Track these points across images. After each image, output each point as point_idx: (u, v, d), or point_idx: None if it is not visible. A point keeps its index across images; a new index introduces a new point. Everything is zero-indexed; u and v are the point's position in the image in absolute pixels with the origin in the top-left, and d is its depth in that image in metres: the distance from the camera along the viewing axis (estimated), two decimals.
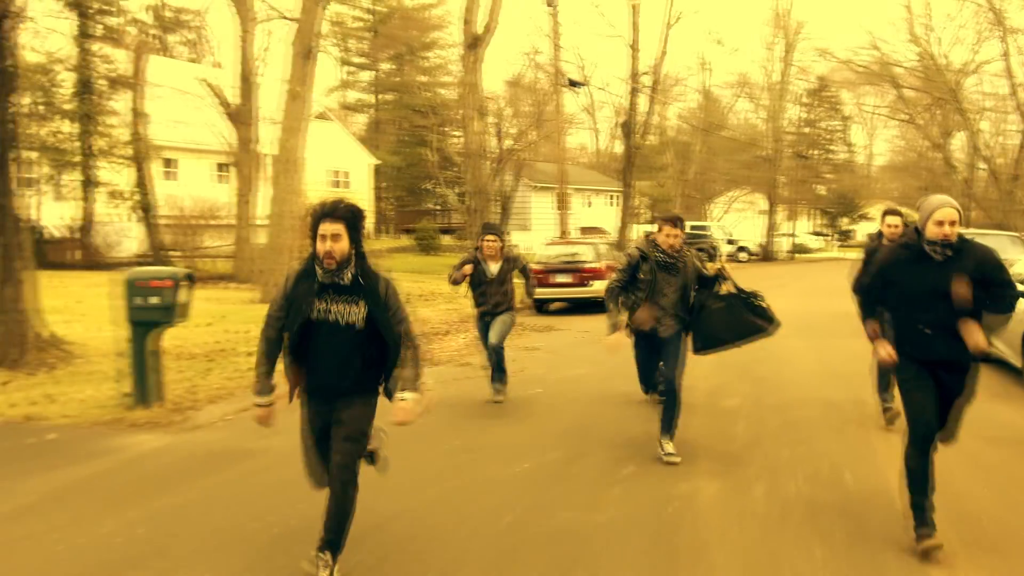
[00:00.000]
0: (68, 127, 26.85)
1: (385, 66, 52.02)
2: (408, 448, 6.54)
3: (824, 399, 8.84)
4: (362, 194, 41.59)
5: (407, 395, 4.12)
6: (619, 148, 42.75)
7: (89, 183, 27.30)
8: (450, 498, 5.72)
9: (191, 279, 7.94)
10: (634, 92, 36.03)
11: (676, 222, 6.59)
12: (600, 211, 49.74)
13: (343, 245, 4.04)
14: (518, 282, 9.19)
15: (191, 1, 50.77)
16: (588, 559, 4.60)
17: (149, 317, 7.61)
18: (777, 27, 48.65)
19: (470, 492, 5.85)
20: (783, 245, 50.90)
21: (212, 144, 29.40)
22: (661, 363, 6.80)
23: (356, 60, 52.17)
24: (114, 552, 4.74)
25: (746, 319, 6.56)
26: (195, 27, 46.26)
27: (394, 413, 4.14)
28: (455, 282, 8.80)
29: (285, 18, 21.64)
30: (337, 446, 4.13)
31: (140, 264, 19.60)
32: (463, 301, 10.54)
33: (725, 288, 6.61)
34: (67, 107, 26.60)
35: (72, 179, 27.74)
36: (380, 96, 52.93)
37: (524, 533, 5.00)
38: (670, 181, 48.05)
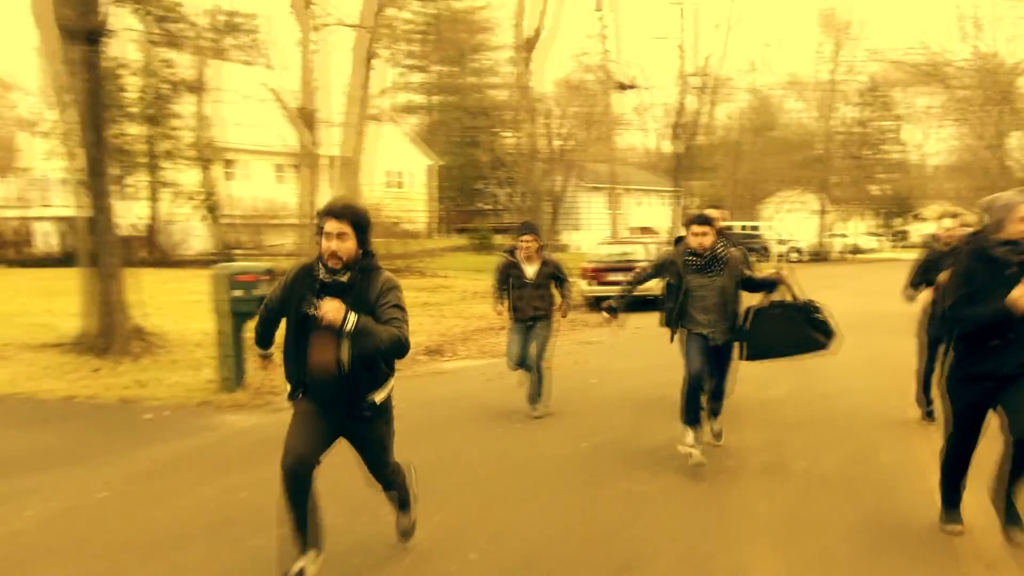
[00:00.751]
0: (135, 130, 28.04)
1: (437, 68, 52.81)
2: (479, 415, 8.06)
3: (869, 388, 9.28)
4: (419, 194, 42.35)
5: (354, 316, 3.82)
6: (670, 148, 43.04)
7: (156, 184, 28.45)
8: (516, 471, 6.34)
9: (271, 274, 8.66)
10: (683, 93, 36.40)
11: (702, 220, 6.34)
12: (652, 211, 50.01)
13: (349, 245, 3.93)
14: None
15: (254, 7, 51.98)
16: (650, 515, 5.26)
17: (247, 309, 8.33)
18: (827, 27, 48.51)
19: (534, 466, 6.48)
20: (836, 245, 50.67)
21: (274, 146, 30.42)
22: (709, 381, 6.51)
23: (408, 62, 53.03)
24: (219, 512, 5.42)
25: (804, 332, 6.18)
26: (249, 31, 47.46)
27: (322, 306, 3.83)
28: (500, 312, 8.34)
29: (346, 25, 22.52)
30: (366, 468, 4.40)
31: (212, 262, 20.51)
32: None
33: (783, 294, 6.30)
34: (133, 110, 27.79)
35: (140, 180, 28.95)
36: (432, 98, 53.74)
37: (594, 493, 5.73)
38: (720, 181, 48.18)
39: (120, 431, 7.79)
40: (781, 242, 42.93)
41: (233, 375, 8.85)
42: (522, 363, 8.15)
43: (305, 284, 4.00)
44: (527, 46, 28.22)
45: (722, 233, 6.78)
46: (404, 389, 6.77)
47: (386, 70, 21.16)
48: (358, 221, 3.97)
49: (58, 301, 15.05)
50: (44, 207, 30.02)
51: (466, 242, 37.47)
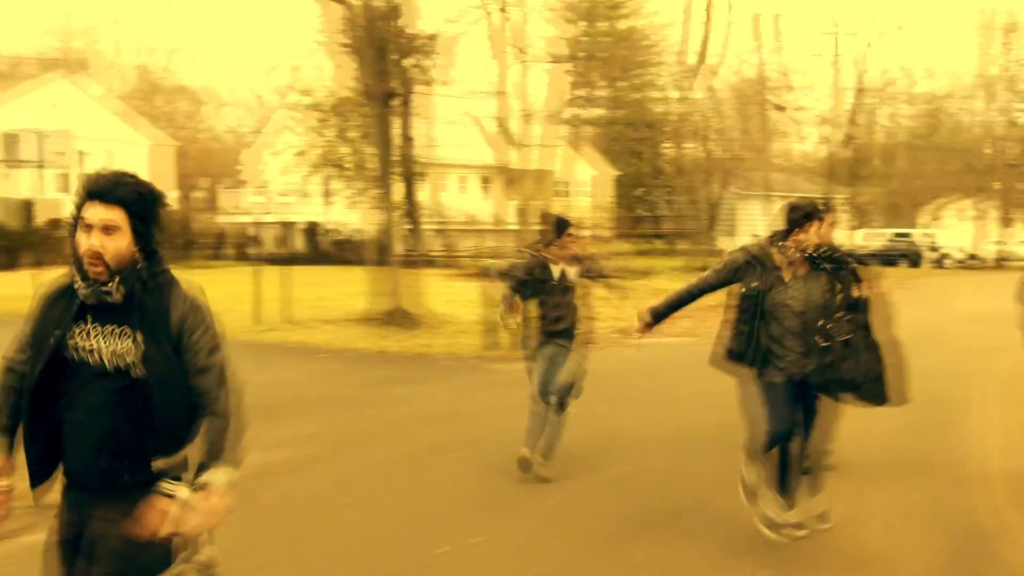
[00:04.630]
0: (353, 148, 33.30)
1: (604, 83, 56.46)
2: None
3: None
4: (592, 203, 46.12)
5: (176, 490, 2.49)
6: (825, 154, 45.01)
7: (375, 193, 33.59)
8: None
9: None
10: (839, 103, 38.62)
11: (816, 213, 4.91)
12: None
13: (120, 243, 2.53)
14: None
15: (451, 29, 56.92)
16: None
17: None
18: (987, 31, 49.10)
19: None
20: (992, 252, 50.80)
21: (472, 160, 35.02)
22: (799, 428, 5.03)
23: (577, 79, 56.89)
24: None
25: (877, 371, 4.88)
26: (431, 53, 52.45)
27: (145, 513, 2.47)
28: (508, 315, 6.80)
29: (540, 61, 26.57)
30: None
31: (414, 263, 25.01)
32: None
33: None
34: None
35: (354, 191, 34.19)
36: (601, 112, 57.47)
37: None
38: (876, 187, 49.56)
39: (433, 370, 11.88)
40: (933, 248, 43.74)
41: (494, 340, 12.85)
42: (545, 393, 6.48)
43: (59, 309, 2.61)
44: (690, 72, 31.59)
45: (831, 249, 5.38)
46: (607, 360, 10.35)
47: (567, 86, 24.88)
48: (138, 205, 2.56)
49: (316, 291, 19.37)
50: (270, 214, 35.71)
51: (631, 247, 41.20)
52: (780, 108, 36.68)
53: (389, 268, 15.16)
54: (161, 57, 55.12)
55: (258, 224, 36.40)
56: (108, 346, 2.54)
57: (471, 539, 5.14)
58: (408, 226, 34.26)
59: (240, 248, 35.99)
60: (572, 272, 6.55)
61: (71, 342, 2.55)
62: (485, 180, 40.09)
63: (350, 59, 15.61)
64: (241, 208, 37.29)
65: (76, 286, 2.57)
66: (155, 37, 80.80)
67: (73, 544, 2.59)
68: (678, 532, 5.35)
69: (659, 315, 5.29)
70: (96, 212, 2.51)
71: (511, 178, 26.42)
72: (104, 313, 2.56)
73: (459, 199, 36.86)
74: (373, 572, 4.75)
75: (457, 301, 16.97)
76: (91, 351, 2.54)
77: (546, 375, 6.47)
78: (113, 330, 2.54)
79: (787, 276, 4.83)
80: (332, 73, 29.62)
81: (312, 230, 34.31)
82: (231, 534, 4.76)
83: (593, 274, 6.75)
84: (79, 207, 2.55)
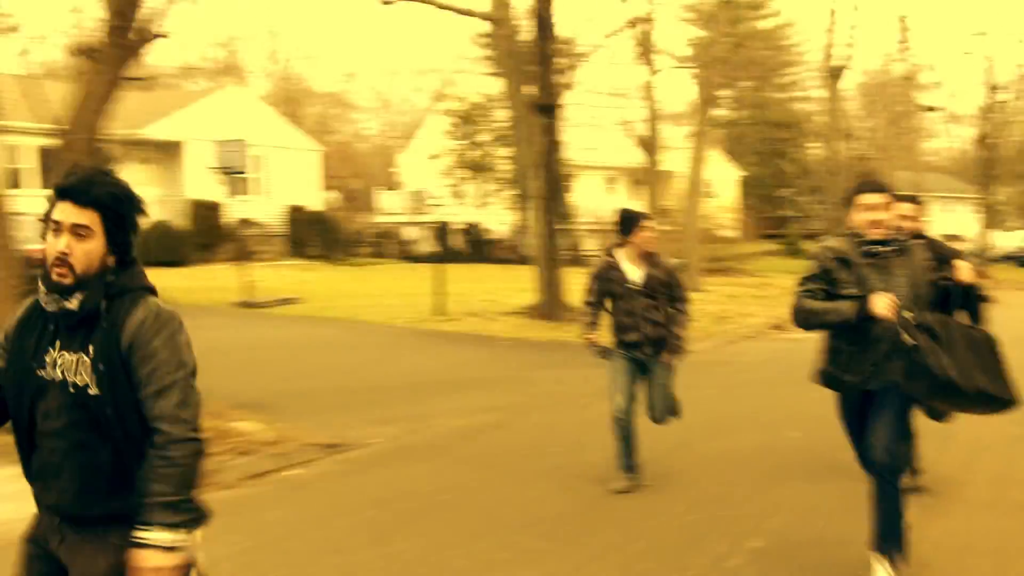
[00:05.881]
0: (501, 152, 34.94)
1: (744, 84, 56.32)
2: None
3: None
4: (727, 204, 46.42)
5: (150, 535, 2.25)
6: (976, 153, 43.70)
7: (522, 196, 35.10)
8: None
9: (686, 268, 13.52)
10: (992, 101, 37.46)
11: (877, 187, 4.24)
12: (958, 217, 50.41)
13: (90, 247, 2.29)
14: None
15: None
16: None
17: None
18: None
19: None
20: None
21: (605, 161, 36.08)
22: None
23: (720, 80, 57.01)
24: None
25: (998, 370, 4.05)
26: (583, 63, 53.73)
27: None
28: (591, 335, 6.06)
29: (681, 67, 27.35)
30: None
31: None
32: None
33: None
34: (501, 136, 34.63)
35: (507, 194, 35.89)
36: (739, 112, 57.35)
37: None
38: (1012, 187, 47.67)
39: (589, 356, 12.96)
40: None
41: None
42: (628, 424, 5.90)
43: (32, 325, 2.39)
44: (834, 74, 31.57)
45: (922, 237, 4.75)
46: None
47: (711, 89, 25.49)
48: (113, 208, 2.32)
49: (478, 286, 20.81)
50: (420, 215, 37.68)
51: (775, 247, 41.38)
52: (929, 109, 35.99)
53: (545, 265, 16.37)
54: (311, 64, 58.32)
55: (414, 224, 38.56)
56: (69, 362, 2.30)
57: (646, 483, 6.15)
58: (561, 226, 35.90)
59: (399, 247, 38.26)
60: (638, 273, 5.84)
61: (45, 361, 2.33)
62: (635, 182, 41.19)
63: (510, 73, 16.95)
64: (397, 209, 39.54)
65: (40, 295, 2.34)
66: (307, 45, 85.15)
67: (41, 552, 2.39)
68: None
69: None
70: (67, 213, 2.28)
71: (649, 179, 27.31)
72: (67, 326, 2.32)
73: (607, 200, 38.15)
74: (563, 512, 5.75)
75: None
76: (55, 366, 2.31)
77: (629, 390, 5.86)
78: (73, 344, 2.31)
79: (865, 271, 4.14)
80: (486, 82, 31.44)
81: (468, 230, 36.18)
82: (459, 478, 6.13)
83: (658, 285, 5.85)
84: (49, 208, 2.31)
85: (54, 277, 2.28)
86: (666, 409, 6.07)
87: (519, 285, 19.16)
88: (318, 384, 10.07)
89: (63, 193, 2.30)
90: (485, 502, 5.89)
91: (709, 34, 48.76)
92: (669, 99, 50.59)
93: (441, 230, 27.68)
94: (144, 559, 2.24)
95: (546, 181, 15.79)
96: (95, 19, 8.09)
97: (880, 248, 4.12)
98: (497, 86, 33.28)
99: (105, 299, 2.31)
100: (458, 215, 36.23)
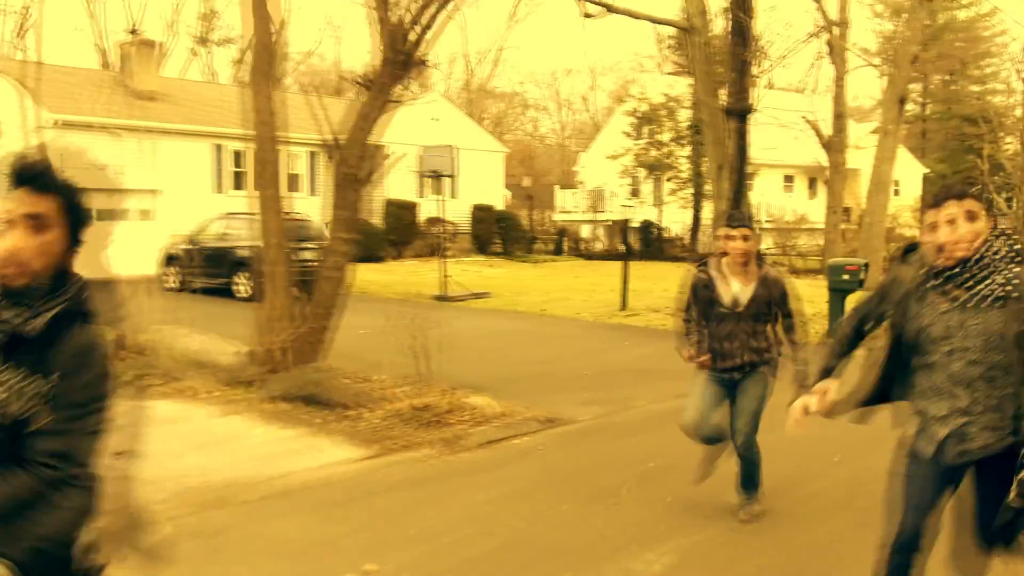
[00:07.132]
0: (681, 151, 35.37)
1: (936, 77, 54.06)
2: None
3: None
4: (910, 202, 44.92)
5: None
6: None
7: (696, 195, 35.42)
8: None
9: (867, 267, 13.73)
10: None
11: (955, 194, 3.10)
12: None
13: (49, 240, 1.98)
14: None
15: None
16: None
17: (848, 288, 13.38)
18: None
19: None
20: None
21: (795, 161, 35.87)
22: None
23: (907, 75, 55.00)
24: None
25: None
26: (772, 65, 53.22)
27: None
28: (691, 358, 5.34)
29: (873, 65, 26.97)
30: None
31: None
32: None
33: None
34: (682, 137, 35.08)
35: (675, 190, 36.28)
36: (928, 106, 55.10)
37: None
38: None
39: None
40: None
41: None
42: (713, 437, 5.41)
43: None
44: None
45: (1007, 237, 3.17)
46: None
47: (903, 84, 24.94)
48: (75, 197, 2.04)
49: (659, 283, 21.43)
50: (598, 213, 38.64)
51: None
52: None
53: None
54: (492, 66, 60.26)
55: (592, 223, 39.65)
56: (7, 382, 1.94)
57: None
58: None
59: (577, 244, 39.45)
60: (737, 292, 5.06)
61: None
62: (812, 181, 40.73)
63: (702, 77, 17.57)
64: (575, 207, 40.72)
65: None
66: (485, 45, 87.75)
67: None
68: None
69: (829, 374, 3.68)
70: (20, 202, 1.94)
71: (832, 178, 27.14)
72: (15, 344, 1.94)
73: (784, 199, 37.99)
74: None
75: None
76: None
77: (711, 413, 5.26)
78: (17, 360, 1.94)
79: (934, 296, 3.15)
80: (668, 82, 32.00)
81: (646, 228, 36.91)
82: (664, 449, 6.90)
83: (763, 305, 5.07)
84: None
85: (2, 278, 1.95)
86: (749, 433, 5.24)
87: None
88: (523, 371, 11.11)
89: (19, 179, 1.97)
90: (691, 468, 6.64)
91: (902, 29, 47.43)
92: (856, 95, 49.44)
93: (623, 229, 28.50)
94: None
95: (733, 183, 16.31)
96: (370, 50, 9.54)
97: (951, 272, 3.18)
98: (680, 86, 33.83)
99: (47, 312, 1.95)
100: (635, 213, 37.00)
